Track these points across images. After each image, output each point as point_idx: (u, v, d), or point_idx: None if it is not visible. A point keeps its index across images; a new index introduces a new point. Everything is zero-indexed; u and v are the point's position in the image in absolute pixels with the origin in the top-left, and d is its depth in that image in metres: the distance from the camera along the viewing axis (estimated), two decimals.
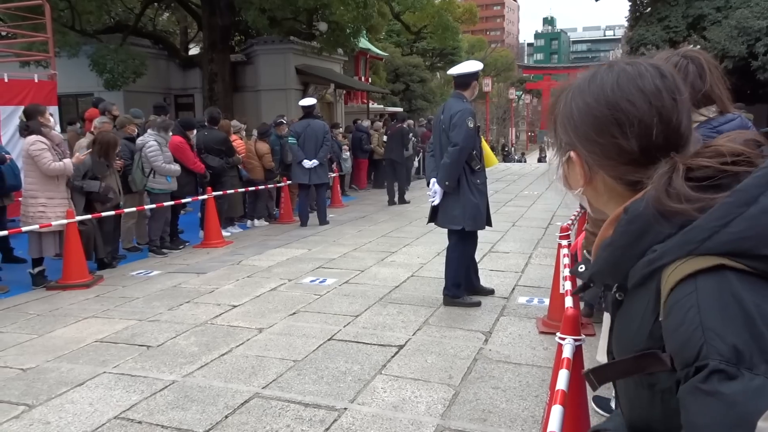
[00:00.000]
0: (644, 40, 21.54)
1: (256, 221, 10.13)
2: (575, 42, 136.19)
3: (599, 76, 0.95)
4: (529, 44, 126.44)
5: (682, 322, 0.76)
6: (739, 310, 0.73)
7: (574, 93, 0.98)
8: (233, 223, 9.65)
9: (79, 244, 6.30)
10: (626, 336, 0.91)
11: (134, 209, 7.70)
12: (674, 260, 0.80)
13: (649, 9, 22.65)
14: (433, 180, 5.16)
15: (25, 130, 6.25)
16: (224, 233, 8.83)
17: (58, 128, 7.35)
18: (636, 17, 23.41)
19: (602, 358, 3.12)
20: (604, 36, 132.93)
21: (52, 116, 6.92)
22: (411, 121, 19.20)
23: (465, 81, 5.09)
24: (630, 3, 23.72)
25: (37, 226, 6.04)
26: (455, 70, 5.14)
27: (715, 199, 0.79)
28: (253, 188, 9.73)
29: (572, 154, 0.98)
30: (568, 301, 3.01)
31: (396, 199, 12.22)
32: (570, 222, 5.37)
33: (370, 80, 25.68)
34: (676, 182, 0.83)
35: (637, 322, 0.88)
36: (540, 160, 35.11)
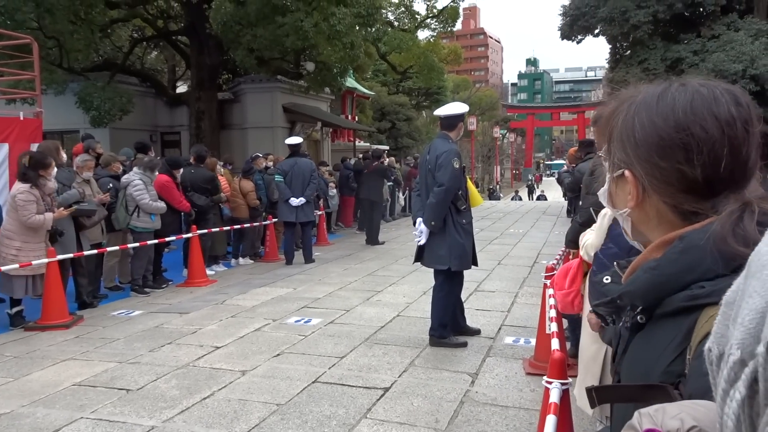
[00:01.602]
0: (624, 81, 22.08)
1: (240, 259, 10.05)
2: (558, 82, 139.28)
3: (670, 94, 0.88)
4: (513, 84, 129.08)
5: None
6: None
7: (639, 108, 0.90)
8: (217, 261, 9.56)
9: (60, 284, 6.20)
10: (642, 363, 0.88)
11: (117, 248, 7.62)
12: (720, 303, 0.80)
13: (629, 51, 23.31)
14: (419, 220, 5.19)
15: (23, 174, 6.17)
16: (208, 272, 8.74)
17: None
18: (616, 59, 24.06)
19: (580, 393, 3.10)
20: (586, 77, 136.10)
21: (99, 144, 7.22)
22: (392, 158, 19.38)
23: (451, 122, 5.17)
24: (610, 46, 24.41)
25: (16, 266, 5.94)
26: (441, 112, 5.22)
27: None
28: (238, 226, 9.70)
29: (626, 173, 0.92)
30: (555, 343, 2.99)
31: (370, 239, 12.11)
32: (555, 261, 5.38)
33: (356, 118, 25.93)
34: (748, 225, 0.78)
35: (657, 351, 0.84)
36: (539, 198, 35.32)
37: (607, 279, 1.05)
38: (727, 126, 0.84)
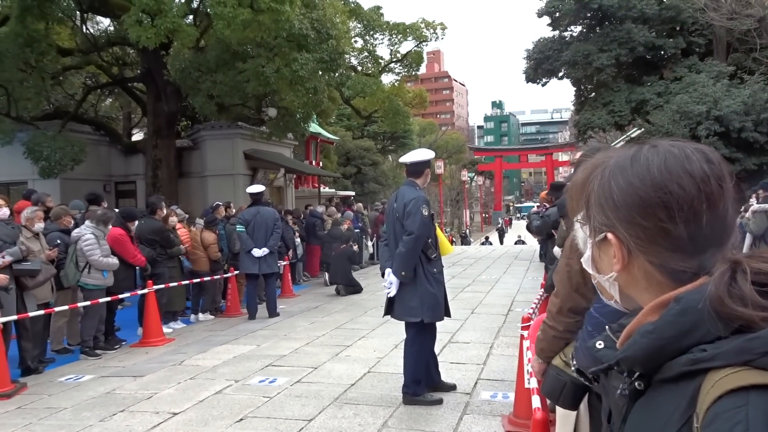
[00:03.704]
0: (591, 124, 22.79)
1: (200, 315, 9.82)
2: (524, 124, 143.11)
3: (643, 156, 0.92)
4: (479, 127, 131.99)
5: None
6: None
7: (614, 171, 0.94)
8: (176, 318, 9.33)
9: (1, 350, 5.91)
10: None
11: (66, 307, 7.35)
12: (725, 366, 0.77)
13: (594, 94, 24.14)
14: (388, 270, 5.14)
15: None
16: (165, 330, 8.50)
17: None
18: (581, 101, 24.87)
19: None
20: (552, 118, 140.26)
21: (50, 197, 7.13)
22: (359, 204, 19.43)
23: (417, 169, 5.20)
24: (575, 88, 25.26)
25: None
26: (407, 159, 5.25)
27: None
28: (197, 280, 9.50)
29: (609, 235, 0.94)
30: (536, 401, 2.94)
31: (327, 281, 12.26)
32: (531, 311, 5.37)
33: (321, 164, 26.06)
34: (743, 285, 0.80)
35: (661, 420, 0.83)
36: (515, 242, 35.39)
37: (600, 344, 1.03)
38: (702, 183, 0.88)
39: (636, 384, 0.90)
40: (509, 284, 12.54)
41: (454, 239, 42.65)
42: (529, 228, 8.98)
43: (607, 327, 1.03)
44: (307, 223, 14.28)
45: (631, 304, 0.98)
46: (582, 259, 1.03)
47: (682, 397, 0.81)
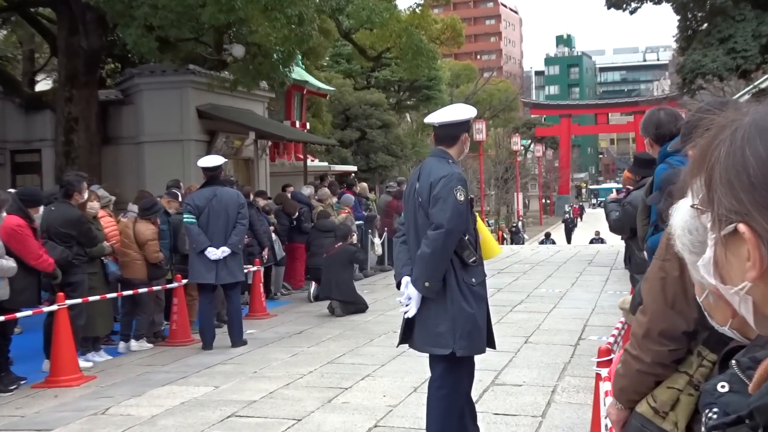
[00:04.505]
0: (702, 68, 22.59)
1: (133, 342, 9.88)
2: (604, 69, 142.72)
3: None
4: (538, 73, 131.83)
5: None
6: None
7: (749, 135, 0.93)
8: (97, 346, 9.40)
9: None
10: None
11: None
12: None
13: (706, 25, 23.89)
14: (405, 280, 5.11)
15: None
16: (82, 363, 8.56)
17: None
18: (688, 36, 24.63)
19: None
20: (644, 61, 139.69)
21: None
22: (364, 184, 19.43)
23: (451, 133, 5.17)
24: (679, 17, 25.01)
25: None
26: (436, 118, 5.21)
27: None
28: (130, 292, 9.55)
29: (741, 227, 0.93)
30: None
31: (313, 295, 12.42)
32: (612, 339, 5.35)
33: (308, 126, 26.05)
34: None
35: None
36: (590, 241, 35.12)
37: (723, 386, 1.02)
38: None
39: None
40: (580, 301, 12.52)
41: (504, 235, 42.75)
42: (607, 217, 8.94)
43: (734, 362, 1.02)
44: (288, 212, 14.29)
45: None
46: (698, 263, 1.01)
47: None
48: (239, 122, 18.15)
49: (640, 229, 4.87)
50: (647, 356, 2.33)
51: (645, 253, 4.68)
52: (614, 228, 7.89)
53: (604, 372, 4.26)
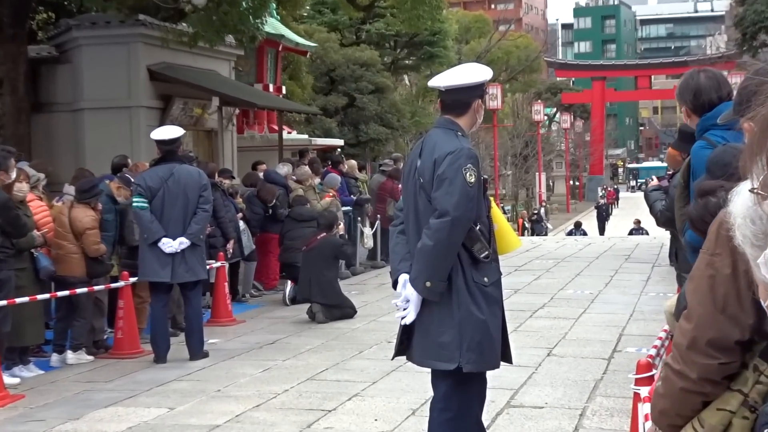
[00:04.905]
0: (766, 21, 22.58)
1: (70, 354, 9.86)
2: (645, 22, 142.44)
3: None
4: (566, 26, 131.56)
5: None
6: None
7: None
8: (26, 359, 9.39)
9: None
10: None
11: None
12: None
13: None
14: (402, 278, 5.13)
15: None
16: (7, 379, 8.52)
17: None
18: None
19: None
20: (695, 12, 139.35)
21: None
22: (352, 161, 19.36)
23: (460, 100, 5.16)
24: None
25: None
26: (442, 81, 5.21)
27: None
28: (66, 293, 9.54)
29: None
30: None
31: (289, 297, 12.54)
32: (654, 351, 5.37)
33: (284, 91, 25.98)
34: None
35: None
36: (629, 232, 35.02)
37: None
38: None
39: None
40: (615, 305, 12.56)
41: (527, 224, 42.70)
42: (650, 206, 8.90)
43: None
44: (264, 198, 14.26)
45: None
46: (759, 260, 1.02)
47: None
48: (200, 85, 18.07)
49: (678, 219, 4.82)
50: (693, 371, 2.30)
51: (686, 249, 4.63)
52: (662, 221, 7.89)
53: (643, 391, 4.27)
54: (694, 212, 3.62)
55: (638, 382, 4.36)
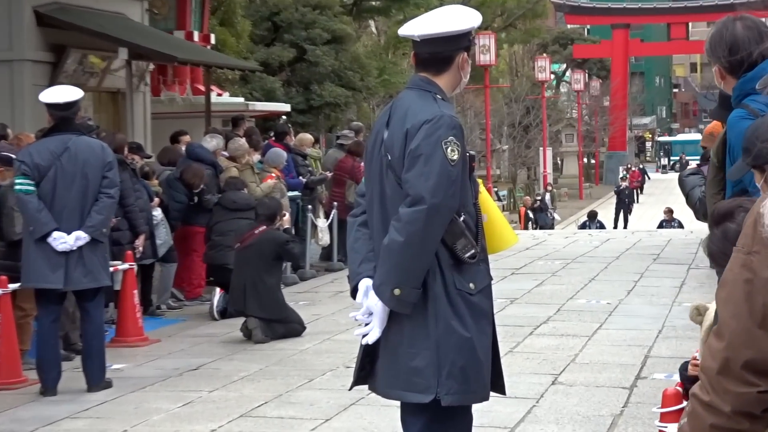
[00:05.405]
0: None
1: None
2: None
3: None
4: None
5: None
6: None
7: None
8: None
9: None
10: None
11: None
12: None
13: None
14: (364, 284, 5.12)
15: None
16: None
17: None
18: None
19: None
20: None
21: None
22: (305, 135, 19.44)
23: (440, 53, 5.17)
24: None
25: None
26: (418, 29, 5.19)
27: None
28: None
29: None
30: None
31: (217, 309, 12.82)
32: (686, 380, 5.37)
33: (213, 40, 26.01)
34: None
35: None
36: (659, 224, 35.31)
37: None
38: None
39: None
40: (640, 318, 12.70)
41: (528, 214, 42.89)
42: (685, 194, 8.94)
43: None
44: (189, 182, 14.23)
45: None
46: None
47: None
48: (103, 33, 18.08)
49: (709, 205, 4.79)
50: (725, 403, 2.31)
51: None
52: (701, 212, 7.96)
53: (671, 429, 4.27)
54: (713, 246, 3.61)
55: (664, 417, 4.37)
